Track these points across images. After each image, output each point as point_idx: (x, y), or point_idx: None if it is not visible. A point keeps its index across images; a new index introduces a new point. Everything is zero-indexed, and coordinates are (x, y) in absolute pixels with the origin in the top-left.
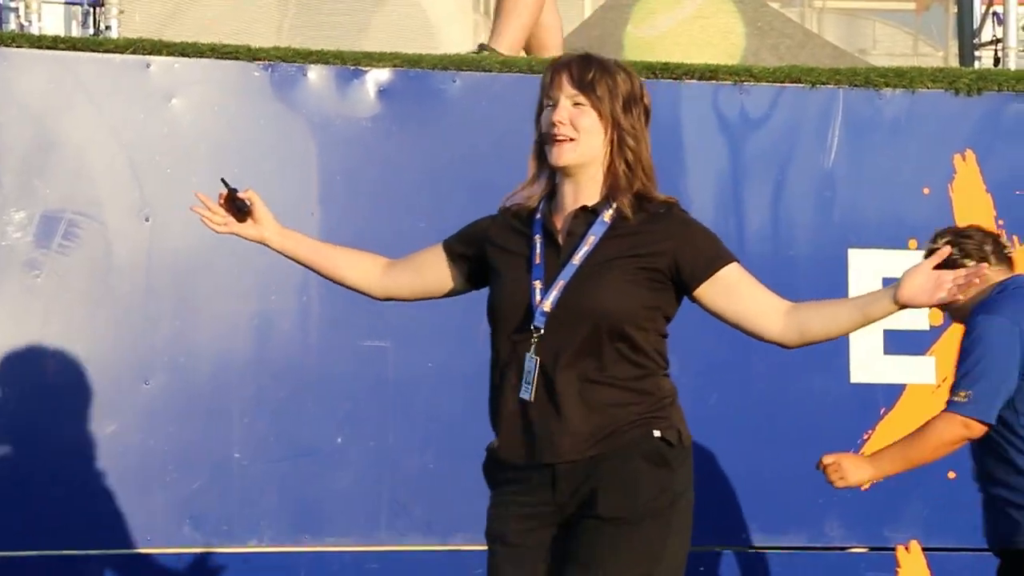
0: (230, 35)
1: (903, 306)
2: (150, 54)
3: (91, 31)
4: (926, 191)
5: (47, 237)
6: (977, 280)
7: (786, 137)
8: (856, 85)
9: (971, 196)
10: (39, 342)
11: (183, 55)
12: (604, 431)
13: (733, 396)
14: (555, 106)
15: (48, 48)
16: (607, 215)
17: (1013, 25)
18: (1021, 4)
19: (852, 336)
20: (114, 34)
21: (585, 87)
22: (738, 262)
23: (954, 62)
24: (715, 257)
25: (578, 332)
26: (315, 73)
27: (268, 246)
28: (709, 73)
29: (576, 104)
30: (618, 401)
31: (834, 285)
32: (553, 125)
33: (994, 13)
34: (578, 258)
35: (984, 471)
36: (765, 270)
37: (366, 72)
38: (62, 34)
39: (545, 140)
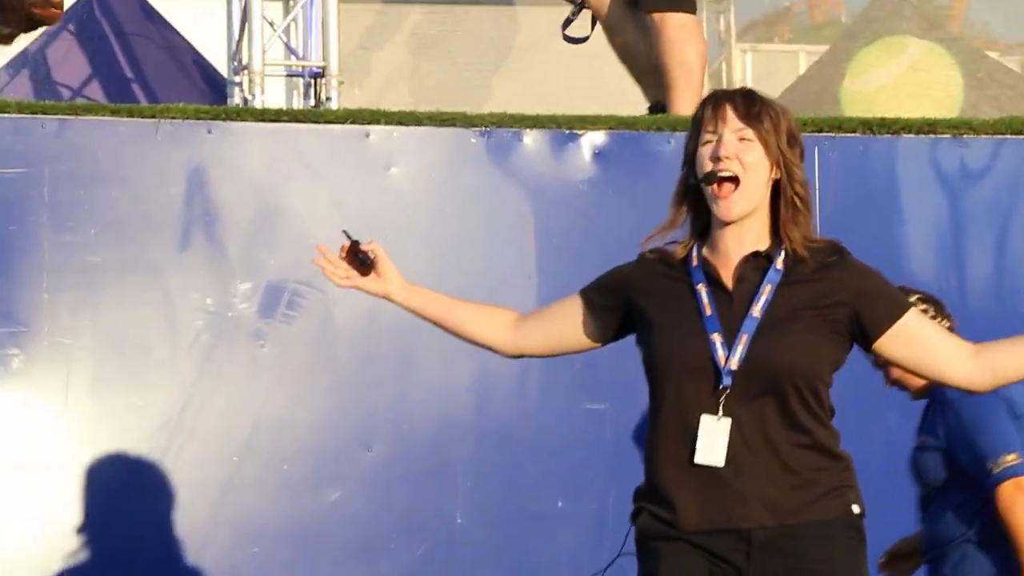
0: (446, 103)
1: None
2: (369, 123)
3: (311, 102)
4: None
5: (271, 307)
6: None
7: (1008, 190)
8: None
9: None
10: (265, 411)
11: (401, 123)
12: (801, 498)
13: None
14: (719, 140)
15: (271, 121)
16: (779, 262)
17: None
18: None
19: None
20: (334, 105)
21: (752, 119)
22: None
23: None
24: (896, 306)
25: (770, 390)
26: (530, 138)
27: (392, 301)
28: (927, 127)
29: (742, 139)
30: (813, 466)
31: None
32: (719, 160)
33: None
34: (758, 310)
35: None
36: (989, 327)
37: (581, 135)
38: (284, 106)
39: (708, 180)
